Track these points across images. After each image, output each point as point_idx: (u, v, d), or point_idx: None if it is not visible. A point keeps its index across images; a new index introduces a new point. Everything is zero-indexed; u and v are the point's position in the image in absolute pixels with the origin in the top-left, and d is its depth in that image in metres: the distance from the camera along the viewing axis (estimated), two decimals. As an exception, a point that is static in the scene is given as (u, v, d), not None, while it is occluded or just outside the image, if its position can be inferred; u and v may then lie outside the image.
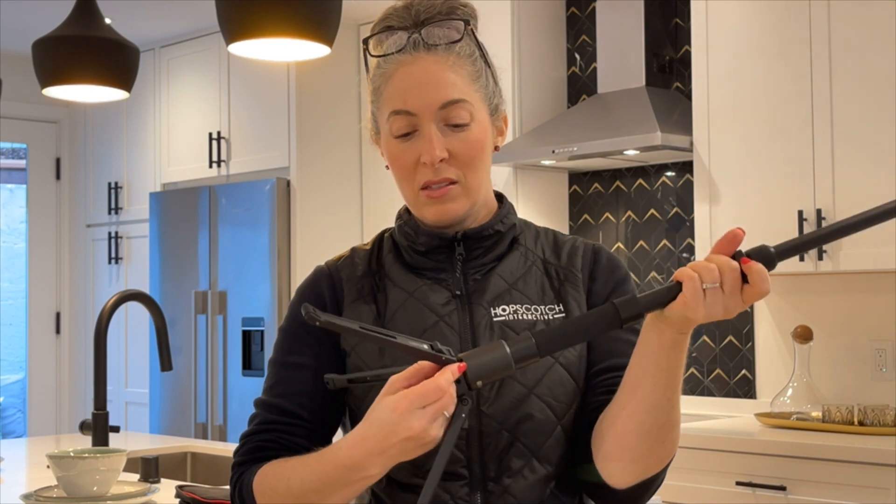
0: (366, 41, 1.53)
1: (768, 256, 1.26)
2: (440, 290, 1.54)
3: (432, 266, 1.56)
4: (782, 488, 3.41)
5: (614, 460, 1.42)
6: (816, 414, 3.72)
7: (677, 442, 1.43)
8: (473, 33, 1.53)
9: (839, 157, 3.67)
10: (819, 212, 3.69)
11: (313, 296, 1.57)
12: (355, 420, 1.50)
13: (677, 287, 1.26)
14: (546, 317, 1.52)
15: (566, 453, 1.51)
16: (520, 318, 1.51)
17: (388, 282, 1.56)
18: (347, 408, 1.55)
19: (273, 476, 1.45)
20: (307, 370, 1.53)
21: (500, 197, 1.62)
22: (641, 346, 1.35)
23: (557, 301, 1.55)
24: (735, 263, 1.25)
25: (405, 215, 1.60)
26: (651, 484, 1.45)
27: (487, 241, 1.55)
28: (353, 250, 1.63)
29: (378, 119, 1.55)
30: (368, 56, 1.54)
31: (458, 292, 1.53)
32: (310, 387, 1.52)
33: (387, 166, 1.58)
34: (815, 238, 1.28)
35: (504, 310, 1.52)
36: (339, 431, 1.57)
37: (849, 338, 3.98)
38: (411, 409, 1.26)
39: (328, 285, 1.57)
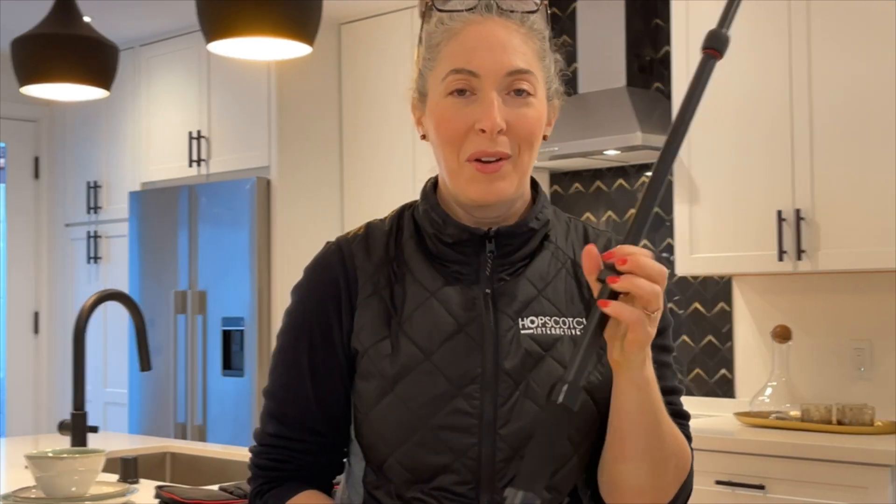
0: None
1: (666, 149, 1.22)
2: (464, 289, 1.41)
3: (457, 259, 1.42)
4: (761, 487, 3.43)
5: (622, 501, 1.37)
6: (795, 413, 3.74)
7: (684, 468, 1.38)
8: (547, 12, 1.45)
9: (818, 158, 3.69)
10: (798, 212, 3.70)
11: (328, 283, 1.44)
12: (359, 429, 1.42)
13: (599, 334, 1.17)
14: (573, 331, 1.40)
15: (580, 480, 1.43)
16: (548, 331, 1.39)
17: (408, 274, 1.42)
18: (353, 410, 1.44)
19: None
20: (318, 376, 1.43)
21: (534, 184, 1.49)
22: (620, 405, 1.29)
23: (585, 313, 1.42)
24: (638, 282, 1.16)
25: (432, 197, 1.46)
26: None
27: (519, 238, 1.42)
28: (370, 228, 1.49)
29: (428, 79, 1.41)
30: (432, 11, 1.42)
31: (486, 291, 1.40)
32: (321, 394, 1.43)
33: (423, 136, 1.45)
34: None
35: (532, 321, 1.39)
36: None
37: (828, 337, 4.00)
38: None
39: (342, 273, 1.43)
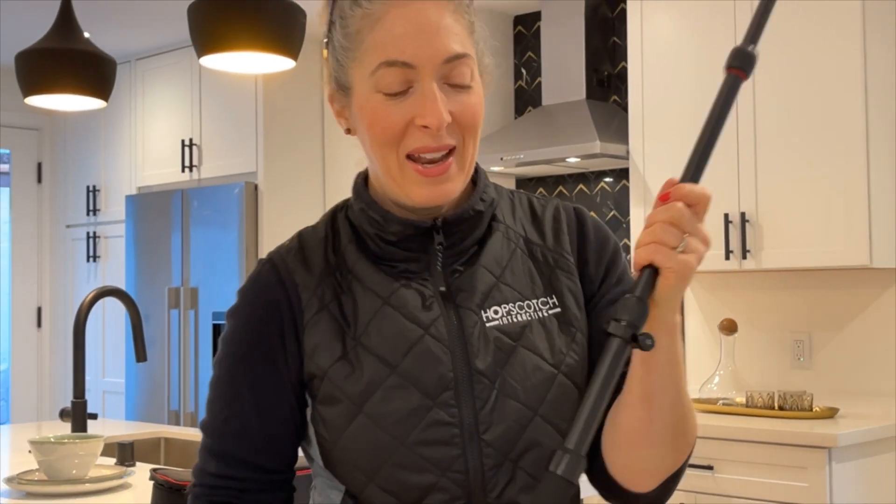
0: None
1: (685, 177, 1.06)
2: (418, 289, 1.19)
3: (405, 257, 1.20)
4: (710, 468, 3.44)
5: (638, 470, 1.17)
6: (741, 400, 3.75)
7: (696, 426, 1.17)
8: None
9: (761, 165, 3.71)
10: (743, 215, 3.72)
11: (267, 306, 1.20)
12: (328, 458, 1.19)
13: (652, 271, 1.02)
14: (540, 313, 1.20)
15: None
16: (514, 319, 1.19)
17: (355, 282, 1.19)
18: (318, 439, 1.20)
19: None
20: (263, 409, 1.20)
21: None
22: (649, 356, 1.06)
23: (549, 292, 1.22)
24: (677, 205, 1.03)
25: (366, 194, 1.22)
26: (678, 475, 1.19)
27: (468, 223, 1.20)
28: (302, 238, 1.24)
29: (351, 71, 1.16)
30: None
31: (441, 289, 1.19)
32: (268, 428, 1.20)
33: (347, 130, 1.22)
34: (700, 150, 1.07)
35: (496, 312, 1.18)
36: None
37: (770, 330, 4.02)
38: None
39: (282, 292, 1.20)
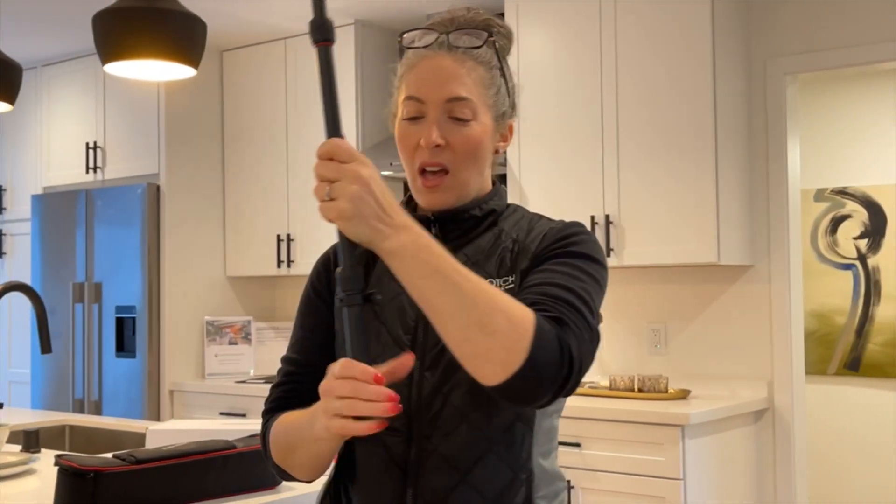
0: (402, 34, 1.45)
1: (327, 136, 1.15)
2: None
3: None
4: (578, 444, 3.49)
5: (472, 363, 1.18)
6: (605, 383, 3.81)
7: (520, 325, 1.15)
8: (496, 46, 1.43)
9: (623, 173, 3.78)
10: (607, 217, 3.78)
11: (322, 261, 1.52)
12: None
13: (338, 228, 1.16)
14: (500, 289, 1.29)
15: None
16: None
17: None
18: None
19: (278, 429, 1.44)
20: (317, 330, 1.48)
21: (493, 183, 1.48)
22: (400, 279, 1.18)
23: (511, 273, 1.38)
24: (316, 161, 1.13)
25: (407, 193, 1.50)
26: (527, 370, 1.15)
27: (464, 223, 1.43)
28: None
29: (397, 102, 1.45)
30: (401, 48, 1.45)
31: None
32: (320, 342, 1.47)
33: None
34: (328, 112, 1.16)
35: None
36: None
37: (630, 320, 4.10)
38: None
39: (333, 252, 1.50)
